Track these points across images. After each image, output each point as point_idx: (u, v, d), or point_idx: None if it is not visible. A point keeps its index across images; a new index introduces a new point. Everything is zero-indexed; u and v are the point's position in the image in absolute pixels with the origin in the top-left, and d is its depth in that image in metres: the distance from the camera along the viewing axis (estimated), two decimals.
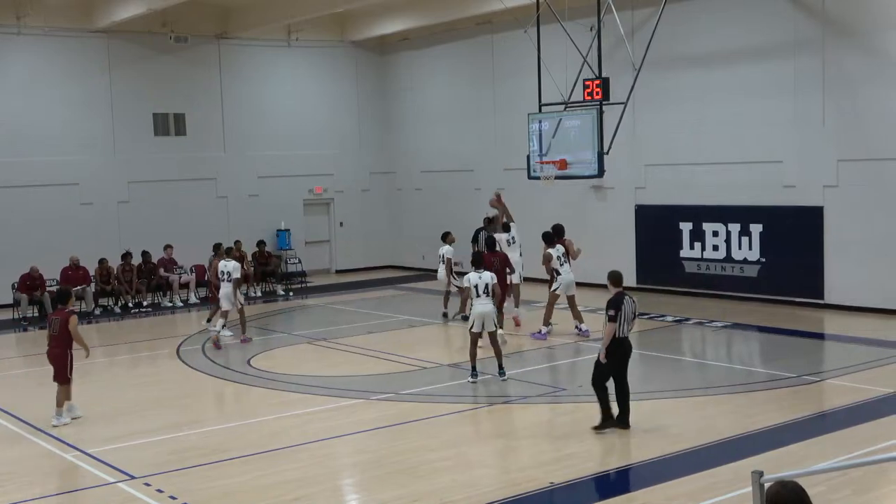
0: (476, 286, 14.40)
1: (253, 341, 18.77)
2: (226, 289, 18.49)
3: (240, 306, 18.87)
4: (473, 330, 14.52)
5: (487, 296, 14.37)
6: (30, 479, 10.75)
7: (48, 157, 24.83)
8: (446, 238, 20.87)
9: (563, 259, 18.20)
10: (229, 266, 18.61)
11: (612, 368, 11.62)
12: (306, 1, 24.55)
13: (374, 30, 28.28)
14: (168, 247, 24.83)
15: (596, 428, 11.63)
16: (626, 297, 11.72)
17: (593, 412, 12.75)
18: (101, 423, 13.05)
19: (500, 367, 14.65)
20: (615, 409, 11.73)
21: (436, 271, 21.42)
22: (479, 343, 14.67)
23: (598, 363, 11.71)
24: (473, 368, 14.56)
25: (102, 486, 10.34)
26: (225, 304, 18.50)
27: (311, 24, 27.65)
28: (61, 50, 25.16)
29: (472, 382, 14.38)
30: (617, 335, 11.48)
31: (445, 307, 20.54)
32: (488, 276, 14.55)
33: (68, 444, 11.88)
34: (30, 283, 22.74)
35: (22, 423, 13.10)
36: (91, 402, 14.63)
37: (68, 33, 25.07)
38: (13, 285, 22.93)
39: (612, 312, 11.31)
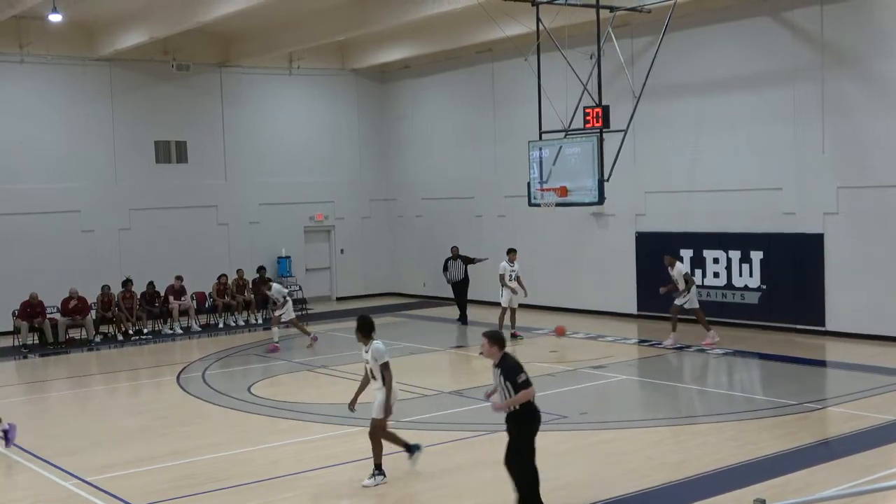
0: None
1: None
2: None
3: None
4: None
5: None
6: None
7: (50, 184, 24.90)
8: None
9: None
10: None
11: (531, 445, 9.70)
12: (307, 29, 24.69)
13: (375, 58, 28.41)
14: (178, 277, 24.85)
15: None
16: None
17: (595, 440, 12.71)
18: (100, 451, 13.00)
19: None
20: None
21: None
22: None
23: (520, 443, 9.68)
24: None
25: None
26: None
27: (312, 53, 27.80)
28: (64, 78, 25.29)
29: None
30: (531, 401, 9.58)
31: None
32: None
33: (67, 472, 11.82)
34: (30, 311, 22.73)
35: (21, 450, 13.04)
36: (91, 429, 14.61)
37: (71, 61, 25.20)
38: (14, 312, 22.91)
39: (524, 376, 9.44)
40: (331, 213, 29.79)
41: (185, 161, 27.16)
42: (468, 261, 24.15)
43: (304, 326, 22.04)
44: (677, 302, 19.54)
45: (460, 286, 24.26)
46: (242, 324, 25.29)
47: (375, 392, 11.08)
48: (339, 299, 29.90)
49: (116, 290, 23.94)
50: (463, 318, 24.05)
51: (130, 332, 23.81)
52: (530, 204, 20.05)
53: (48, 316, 23.07)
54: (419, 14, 21.72)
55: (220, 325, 25.04)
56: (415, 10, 21.65)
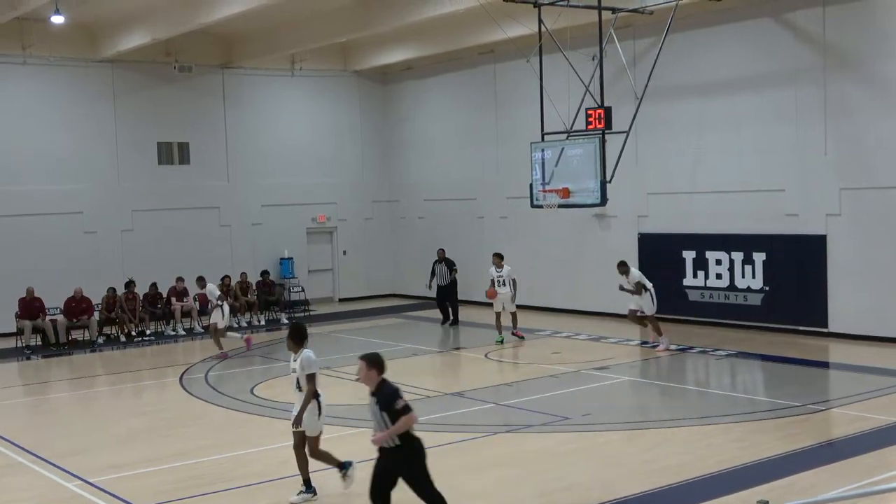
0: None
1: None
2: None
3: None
4: None
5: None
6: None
7: (52, 185, 24.93)
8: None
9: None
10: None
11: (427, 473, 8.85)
12: (309, 30, 24.71)
13: (377, 59, 28.42)
14: (180, 279, 24.86)
15: None
16: None
17: (599, 442, 12.72)
18: (104, 452, 13.02)
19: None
20: None
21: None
22: None
23: (417, 477, 8.76)
24: None
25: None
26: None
27: (314, 54, 27.82)
28: (66, 79, 25.32)
29: None
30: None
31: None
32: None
33: (71, 473, 11.84)
34: (28, 307, 22.77)
35: (25, 452, 13.07)
36: (94, 430, 14.63)
37: (73, 63, 25.23)
38: (17, 314, 22.93)
39: (402, 402, 8.55)
40: (333, 215, 29.81)
41: (187, 162, 27.19)
42: (451, 265, 24.17)
43: (221, 339, 20.78)
44: (641, 309, 19.47)
45: (446, 290, 24.22)
46: (245, 325, 25.29)
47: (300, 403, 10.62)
48: (341, 300, 29.91)
49: (119, 291, 23.96)
50: (453, 321, 24.04)
51: (133, 333, 23.83)
52: (532, 205, 20.05)
53: (50, 317, 23.10)
54: (421, 15, 21.74)
55: (223, 327, 24.97)
56: (417, 12, 21.67)
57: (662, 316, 22.49)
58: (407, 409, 8.50)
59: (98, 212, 25.53)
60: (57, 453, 12.84)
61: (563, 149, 19.16)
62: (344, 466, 10.74)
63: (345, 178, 29.94)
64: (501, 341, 20.56)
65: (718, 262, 21.64)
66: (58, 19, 21.11)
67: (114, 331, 23.85)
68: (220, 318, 20.55)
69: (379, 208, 30.64)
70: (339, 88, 29.89)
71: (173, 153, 27.00)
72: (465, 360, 19.39)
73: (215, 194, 27.49)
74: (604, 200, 18.72)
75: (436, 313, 24.67)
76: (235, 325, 23.64)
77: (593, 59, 19.69)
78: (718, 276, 21.65)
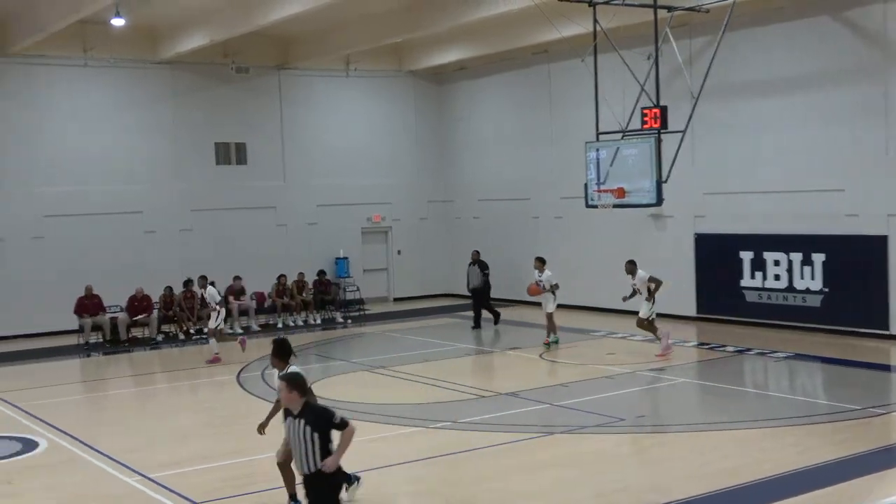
0: None
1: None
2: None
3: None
4: None
5: None
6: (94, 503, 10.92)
7: (114, 185, 25.38)
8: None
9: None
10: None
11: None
12: (364, 31, 24.85)
13: (431, 59, 28.50)
14: (237, 278, 25.16)
15: None
16: None
17: (654, 443, 12.64)
18: (162, 448, 13.22)
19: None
20: None
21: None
22: None
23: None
24: None
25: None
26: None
27: (369, 55, 27.96)
28: (126, 81, 25.76)
29: None
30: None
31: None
32: None
33: (130, 469, 12.03)
34: (86, 304, 23.22)
35: (85, 446, 13.31)
36: (152, 426, 14.86)
37: (133, 64, 25.65)
38: (75, 310, 23.35)
39: (338, 416, 7.83)
40: (388, 215, 29.95)
41: (244, 163, 27.50)
42: (484, 267, 23.94)
43: (223, 339, 20.68)
44: (643, 313, 19.00)
45: (479, 292, 23.91)
46: (301, 324, 25.53)
47: None
48: (396, 300, 30.03)
49: (177, 289, 24.31)
50: (495, 321, 23.81)
51: (191, 331, 24.17)
52: (587, 205, 19.97)
53: (110, 314, 23.51)
54: (475, 16, 21.74)
55: (279, 326, 25.29)
56: (471, 12, 21.68)
57: (719, 317, 22.34)
58: (345, 422, 7.75)
59: (157, 212, 25.93)
60: (116, 449, 13.05)
61: (618, 148, 19.06)
62: (350, 480, 10.33)
63: (400, 178, 30.07)
64: (556, 342, 20.45)
65: (776, 262, 21.36)
66: (118, 22, 21.50)
67: (172, 329, 24.20)
68: (214, 321, 20.32)
69: (433, 208, 30.71)
70: (393, 89, 30.03)
71: (231, 153, 27.33)
72: (519, 361, 19.36)
73: (272, 194, 27.76)
74: (659, 200, 18.58)
75: (485, 314, 24.62)
76: (229, 331, 22.86)
77: (649, 58, 19.54)
78: (777, 278, 21.36)
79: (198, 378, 19.38)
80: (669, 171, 18.66)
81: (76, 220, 24.78)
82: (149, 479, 11.58)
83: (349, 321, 26.07)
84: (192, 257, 25.82)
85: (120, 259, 24.90)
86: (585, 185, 19.75)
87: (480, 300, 23.99)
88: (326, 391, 16.65)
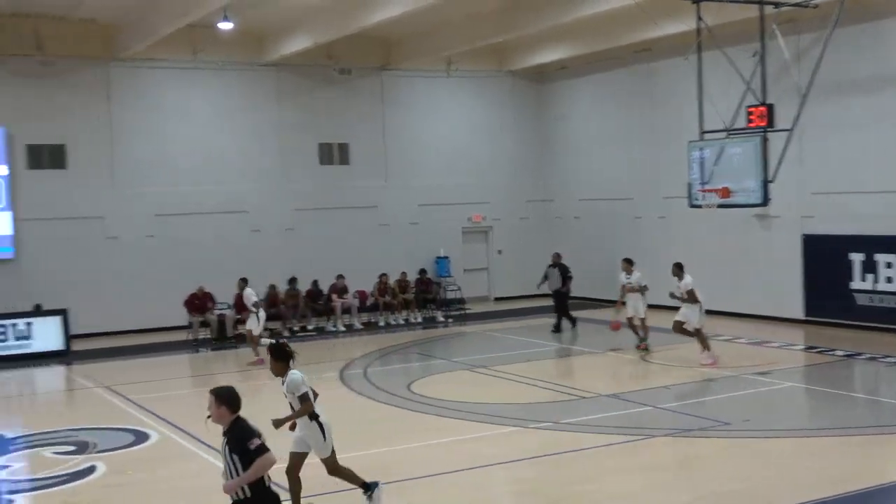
0: None
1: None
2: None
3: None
4: None
5: None
6: (199, 496, 11.20)
7: (221, 185, 26.01)
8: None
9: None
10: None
11: None
12: (465, 32, 24.95)
13: (531, 59, 28.45)
14: (340, 276, 25.53)
15: None
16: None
17: (759, 448, 12.41)
18: (267, 442, 13.46)
19: None
20: None
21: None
22: None
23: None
24: None
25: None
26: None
27: (469, 55, 28.04)
28: (233, 83, 26.40)
29: None
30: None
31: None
32: None
33: None
34: (197, 303, 23.86)
35: (195, 440, 13.67)
36: (256, 421, 15.16)
37: (240, 67, 26.25)
38: (186, 307, 24.02)
39: (258, 441, 7.42)
40: (488, 214, 30.01)
41: (347, 163, 27.90)
42: (565, 271, 23.57)
43: (258, 347, 20.11)
44: (696, 323, 18.26)
45: (558, 295, 23.49)
46: (402, 322, 25.76)
47: (305, 428, 10.13)
48: (496, 300, 30.07)
49: (280, 287, 24.79)
50: (572, 325, 23.33)
51: (295, 328, 24.60)
52: (691, 205, 19.69)
53: (218, 311, 24.11)
54: (576, 14, 21.63)
55: (381, 324, 25.57)
56: (571, 11, 21.57)
57: (828, 320, 21.75)
58: (262, 450, 7.25)
59: (262, 211, 26.49)
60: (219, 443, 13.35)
61: (722, 147, 18.76)
62: (369, 487, 10.14)
63: (499, 177, 30.10)
64: (644, 343, 19.88)
65: (889, 265, 20.70)
66: (226, 25, 22.02)
67: (277, 326, 24.67)
68: (255, 324, 20.19)
69: (534, 208, 30.66)
70: (493, 88, 30.07)
71: (334, 153, 27.76)
72: (621, 362, 19.20)
73: (373, 194, 28.10)
74: (765, 200, 18.23)
75: (589, 314, 24.52)
76: (266, 332, 22.09)
77: (754, 55, 19.15)
78: (889, 280, 20.71)
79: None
80: (776, 171, 18.28)
81: (185, 219, 25.49)
82: None
83: (450, 320, 26.21)
84: (296, 256, 26.29)
85: (226, 257, 25.49)
86: (689, 184, 19.49)
87: (558, 303, 23.60)
88: (427, 389, 16.81)
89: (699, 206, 19.51)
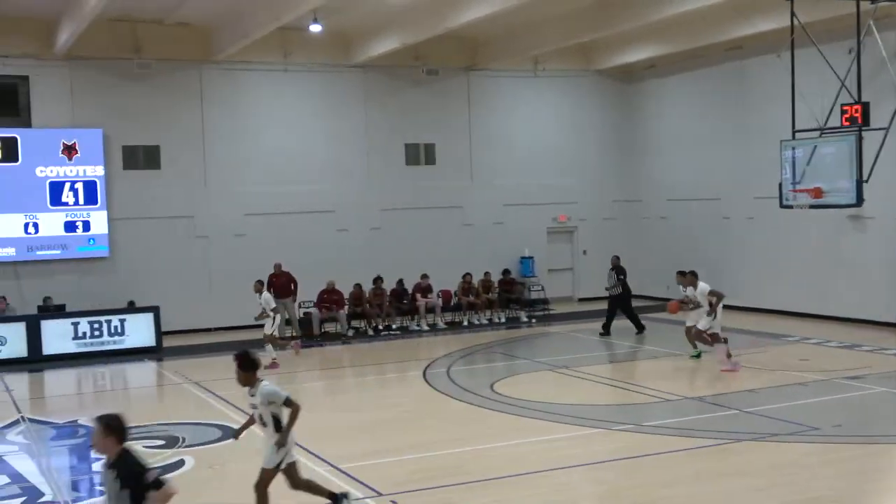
0: None
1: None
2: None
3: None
4: None
5: None
6: (285, 490, 11.35)
7: (309, 185, 26.38)
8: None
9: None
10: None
11: None
12: (553, 31, 24.85)
13: (619, 58, 28.20)
14: (424, 276, 25.66)
15: None
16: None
17: (849, 455, 12.11)
18: (351, 440, 13.65)
19: None
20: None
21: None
22: None
23: None
24: None
25: (351, 501, 10.76)
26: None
27: (556, 54, 27.93)
28: (322, 85, 26.77)
29: None
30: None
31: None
32: None
33: (322, 459, 12.47)
34: (325, 298, 24.21)
35: None
36: (342, 419, 15.36)
37: (329, 69, 26.60)
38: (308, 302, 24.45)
39: (154, 474, 6.66)
40: (574, 214, 29.85)
41: (433, 163, 28.04)
42: (620, 273, 23.14)
43: (277, 346, 20.52)
44: (701, 325, 18.05)
45: (614, 299, 22.95)
46: (486, 322, 25.78)
47: (267, 440, 9.51)
48: (580, 300, 29.88)
49: (366, 286, 25.02)
50: (638, 330, 22.85)
51: (380, 327, 24.82)
52: (782, 205, 19.32)
53: (305, 310, 24.45)
54: (665, 13, 21.38)
55: (465, 324, 25.62)
56: (660, 9, 21.33)
57: None
58: (159, 483, 6.61)
59: (349, 211, 26.78)
60: (307, 439, 13.51)
61: (815, 147, 18.38)
62: (337, 499, 9.83)
63: (585, 177, 29.91)
64: (697, 356, 19.00)
65: None
66: (315, 28, 22.37)
67: (362, 325, 24.93)
68: (270, 326, 20.08)
69: (620, 208, 30.39)
70: (580, 88, 29.90)
71: (420, 154, 27.94)
72: (707, 365, 18.89)
73: (459, 194, 28.17)
74: (860, 201, 17.79)
75: (673, 316, 24.08)
76: (277, 335, 21.53)
77: (850, 52, 18.71)
78: None
79: (385, 373, 19.91)
80: (871, 171, 17.82)
81: (273, 219, 25.91)
82: (338, 469, 11.97)
83: (533, 320, 26.13)
84: (381, 255, 26.51)
85: (313, 256, 25.79)
86: (780, 184, 19.13)
87: (612, 306, 23.13)
88: (510, 390, 16.79)
89: (790, 207, 19.16)
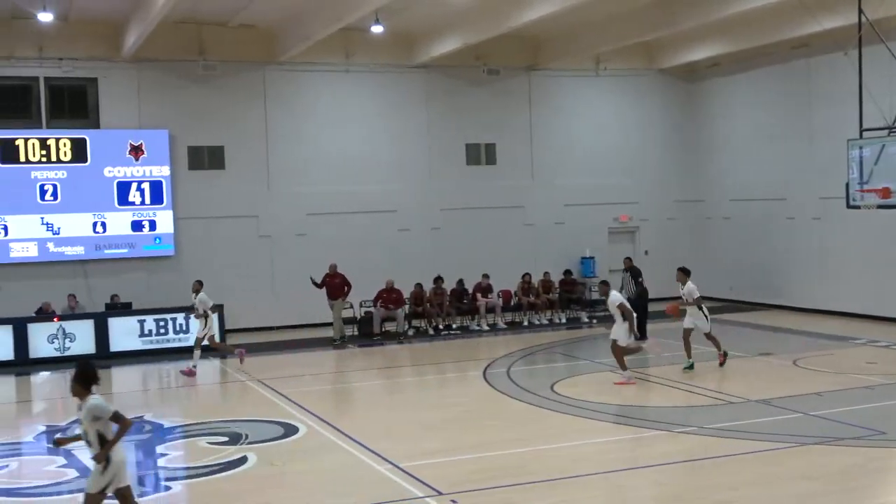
0: None
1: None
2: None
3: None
4: None
5: None
6: (346, 488, 11.47)
7: (370, 185, 26.56)
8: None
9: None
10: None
11: None
12: (614, 30, 24.71)
13: (682, 57, 27.94)
14: (485, 275, 25.67)
15: None
16: None
17: None
18: (411, 439, 13.71)
19: None
20: None
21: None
22: None
23: None
24: None
25: (411, 499, 10.84)
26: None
27: (618, 53, 27.77)
28: (384, 85, 26.92)
29: None
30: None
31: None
32: None
33: (382, 457, 12.55)
34: (385, 296, 24.31)
35: (341, 433, 14.00)
36: (402, 417, 15.45)
37: (390, 69, 26.74)
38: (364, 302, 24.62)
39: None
40: (635, 215, 29.64)
41: (493, 163, 28.05)
42: (636, 275, 22.69)
43: (225, 346, 20.92)
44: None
45: (636, 301, 21.69)
46: (546, 322, 25.72)
47: (92, 461, 8.53)
48: None
49: (426, 286, 25.10)
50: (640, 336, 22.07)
51: (440, 326, 24.88)
52: (849, 206, 18.99)
53: (366, 309, 24.60)
54: (729, 11, 21.15)
55: (525, 324, 25.59)
56: (724, 7, 21.11)
57: None
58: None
59: (411, 210, 26.91)
60: (368, 437, 13.65)
61: (883, 146, 18.02)
62: None
63: (647, 177, 29.69)
64: (690, 367, 18.24)
65: None
66: (377, 29, 22.53)
67: (422, 324, 25.01)
68: (201, 329, 19.70)
69: (682, 208, 30.09)
70: (643, 87, 29.68)
71: (481, 154, 27.97)
72: (772, 367, 18.65)
73: (520, 194, 28.14)
74: None
75: (737, 318, 23.87)
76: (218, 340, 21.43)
77: None
78: None
79: (445, 373, 19.97)
80: None
81: (335, 218, 26.14)
82: (398, 467, 12.04)
83: (594, 321, 25.97)
84: (442, 255, 26.60)
85: (374, 256, 25.98)
86: (847, 184, 18.80)
87: (639, 308, 21.85)
88: (569, 390, 16.74)
89: (857, 207, 18.82)
